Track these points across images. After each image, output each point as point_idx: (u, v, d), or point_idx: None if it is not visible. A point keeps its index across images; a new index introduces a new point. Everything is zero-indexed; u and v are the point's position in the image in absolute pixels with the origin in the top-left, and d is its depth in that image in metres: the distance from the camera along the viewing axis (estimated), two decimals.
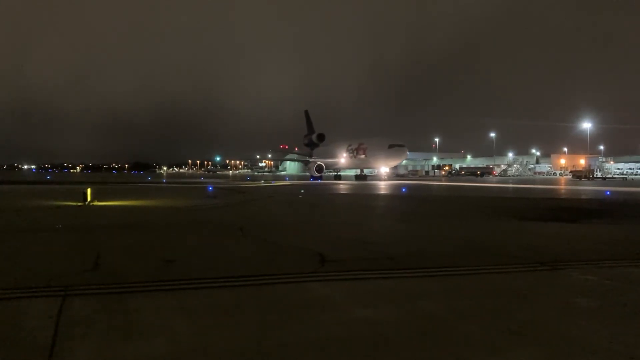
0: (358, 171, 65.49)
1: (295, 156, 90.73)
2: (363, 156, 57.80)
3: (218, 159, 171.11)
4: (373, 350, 3.76)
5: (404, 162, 77.25)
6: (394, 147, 53.24)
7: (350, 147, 61.01)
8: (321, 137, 72.19)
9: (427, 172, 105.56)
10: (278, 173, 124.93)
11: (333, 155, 63.95)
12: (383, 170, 57.02)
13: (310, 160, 65.62)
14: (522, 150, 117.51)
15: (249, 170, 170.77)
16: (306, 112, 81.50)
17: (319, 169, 59.40)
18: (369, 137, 60.23)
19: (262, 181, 51.75)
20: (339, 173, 67.78)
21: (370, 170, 65.40)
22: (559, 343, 3.91)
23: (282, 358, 3.64)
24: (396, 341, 3.95)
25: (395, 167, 65.25)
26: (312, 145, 73.85)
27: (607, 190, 31.33)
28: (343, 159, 62.25)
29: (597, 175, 74.95)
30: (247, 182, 46.93)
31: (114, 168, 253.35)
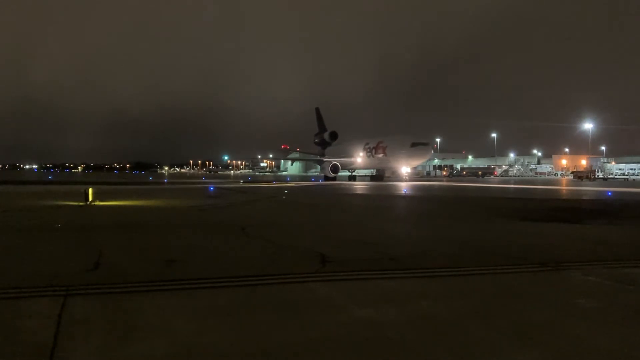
0: (373, 171, 62.16)
1: (298, 155, 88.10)
2: (381, 155, 54.34)
3: (226, 158, 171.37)
4: (374, 351, 3.75)
5: None
6: (417, 146, 49.71)
7: (367, 146, 57.45)
8: (334, 136, 68.57)
9: (428, 173, 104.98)
10: (279, 173, 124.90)
11: (348, 155, 60.31)
12: (404, 171, 52.82)
13: (325, 159, 61.93)
14: (524, 151, 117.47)
15: (251, 171, 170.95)
16: (317, 110, 77.56)
17: (335, 168, 56.41)
18: (390, 135, 56.42)
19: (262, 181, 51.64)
20: (353, 173, 64.28)
21: (372, 170, 63.46)
22: (560, 343, 3.90)
23: (283, 358, 3.63)
24: (398, 341, 3.94)
25: (415, 167, 61.12)
26: (324, 144, 70.34)
27: (609, 190, 31.28)
28: (360, 158, 58.70)
29: (598, 175, 74.86)
30: (249, 183, 46.91)
31: (115, 168, 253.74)
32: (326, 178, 57.04)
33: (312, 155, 75.88)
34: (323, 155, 67.82)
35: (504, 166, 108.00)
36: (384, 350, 3.77)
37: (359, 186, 39.67)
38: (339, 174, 58.57)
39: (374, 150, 56.07)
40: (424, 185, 41.33)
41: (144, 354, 3.68)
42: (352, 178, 62.03)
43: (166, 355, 3.67)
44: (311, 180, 56.48)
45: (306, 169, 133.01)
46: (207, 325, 4.32)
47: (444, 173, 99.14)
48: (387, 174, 60.92)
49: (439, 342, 3.92)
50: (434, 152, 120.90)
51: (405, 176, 53.39)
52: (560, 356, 3.67)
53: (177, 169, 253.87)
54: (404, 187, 35.70)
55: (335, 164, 56.73)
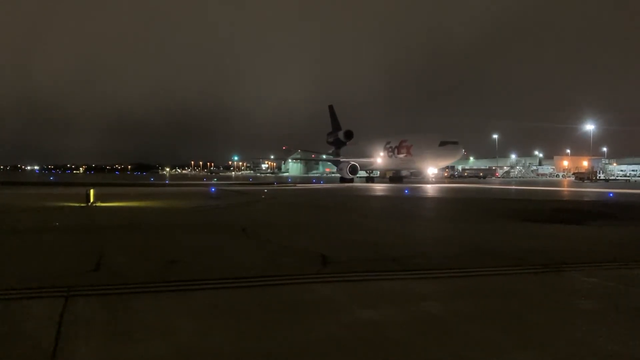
0: (378, 172, 59.44)
1: (301, 155, 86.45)
2: (404, 155, 50.84)
3: (236, 158, 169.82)
4: (375, 352, 3.75)
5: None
6: (446, 145, 46.06)
7: (388, 145, 53.88)
8: (349, 135, 64.58)
9: None
10: (280, 174, 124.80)
11: (367, 155, 56.76)
12: (430, 172, 49.25)
13: (342, 160, 57.81)
14: (525, 152, 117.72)
15: (252, 172, 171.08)
16: (330, 107, 73.03)
17: (353, 169, 52.95)
18: (414, 133, 53.04)
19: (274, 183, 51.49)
20: (371, 175, 61.28)
21: (375, 171, 62.07)
22: (561, 345, 3.89)
23: (284, 359, 3.64)
24: (399, 342, 3.94)
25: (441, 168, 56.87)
26: (338, 144, 66.80)
27: (610, 192, 31.25)
28: (380, 158, 55.13)
29: (600, 177, 74.77)
30: (250, 184, 46.85)
31: (116, 169, 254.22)
32: (342, 180, 53.56)
33: (323, 155, 72.60)
34: (338, 155, 64.66)
35: (505, 167, 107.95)
36: (385, 351, 3.77)
37: (378, 187, 38.10)
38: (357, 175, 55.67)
39: (396, 150, 52.45)
40: (441, 187, 41.26)
41: (145, 355, 3.69)
42: (370, 179, 58.86)
43: (168, 356, 3.67)
44: (312, 182, 56.02)
45: (307, 169, 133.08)
46: (208, 326, 4.32)
47: (445, 174, 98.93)
48: (410, 175, 56.92)
49: (440, 343, 3.92)
50: None
51: (432, 177, 49.81)
52: (562, 357, 3.66)
53: (178, 170, 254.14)
54: (417, 188, 35.52)
55: (354, 165, 53.28)
